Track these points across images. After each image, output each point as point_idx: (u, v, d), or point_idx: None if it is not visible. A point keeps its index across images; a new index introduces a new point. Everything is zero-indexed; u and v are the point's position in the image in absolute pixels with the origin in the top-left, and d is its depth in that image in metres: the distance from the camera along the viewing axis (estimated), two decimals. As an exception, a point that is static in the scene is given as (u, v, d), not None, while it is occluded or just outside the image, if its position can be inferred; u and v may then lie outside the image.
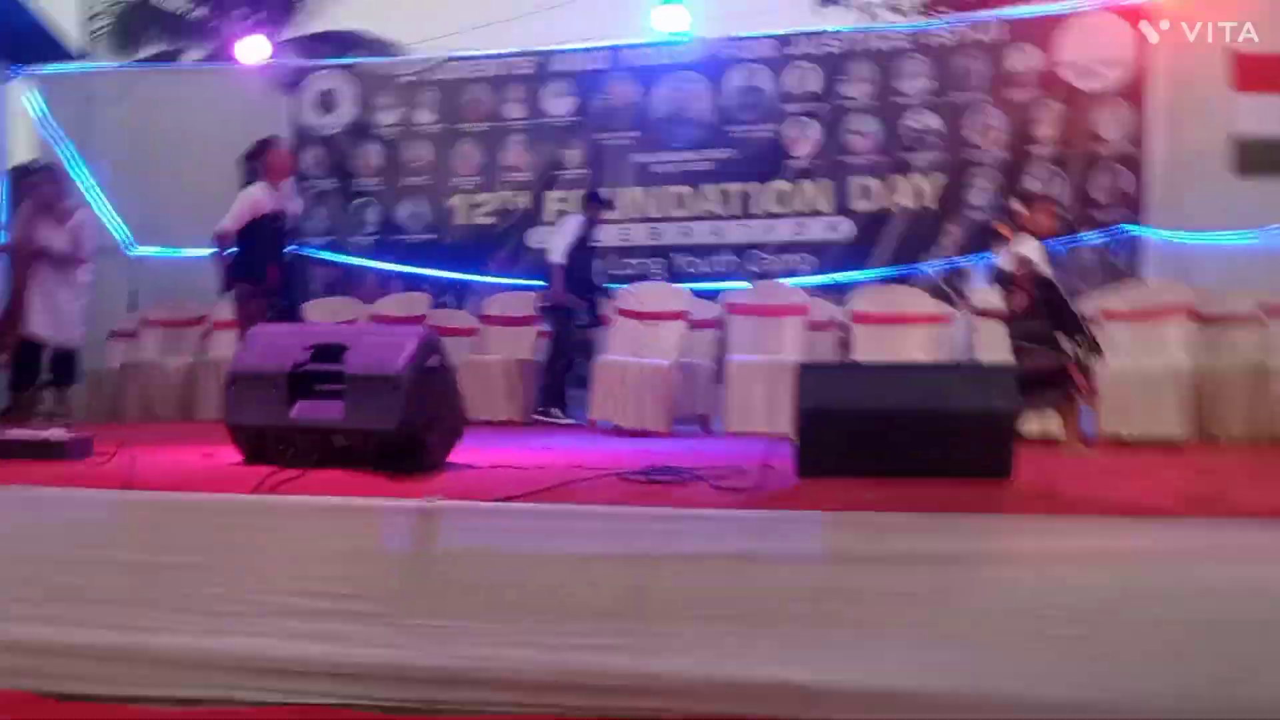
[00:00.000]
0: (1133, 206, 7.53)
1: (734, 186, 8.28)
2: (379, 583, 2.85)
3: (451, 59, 8.91)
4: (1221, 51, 7.27)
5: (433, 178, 8.81)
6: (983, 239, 7.71)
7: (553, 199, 8.58)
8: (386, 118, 8.90)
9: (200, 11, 16.34)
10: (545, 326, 7.52)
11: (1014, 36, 7.84)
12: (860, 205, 8.05)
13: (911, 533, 2.65)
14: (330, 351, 3.55)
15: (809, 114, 8.21)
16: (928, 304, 7.17)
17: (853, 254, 8.00)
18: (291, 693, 2.78)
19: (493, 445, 4.72)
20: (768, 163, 8.25)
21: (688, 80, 8.43)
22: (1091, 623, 2.49)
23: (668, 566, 2.74)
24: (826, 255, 8.07)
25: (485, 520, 2.90)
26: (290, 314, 5.78)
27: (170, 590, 2.92)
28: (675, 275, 8.20)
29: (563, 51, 8.71)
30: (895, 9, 14.89)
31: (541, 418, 7.06)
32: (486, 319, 7.98)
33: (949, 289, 7.66)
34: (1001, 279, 5.25)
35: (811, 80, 8.22)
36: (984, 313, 6.68)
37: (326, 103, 8.98)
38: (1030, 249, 4.96)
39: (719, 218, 8.29)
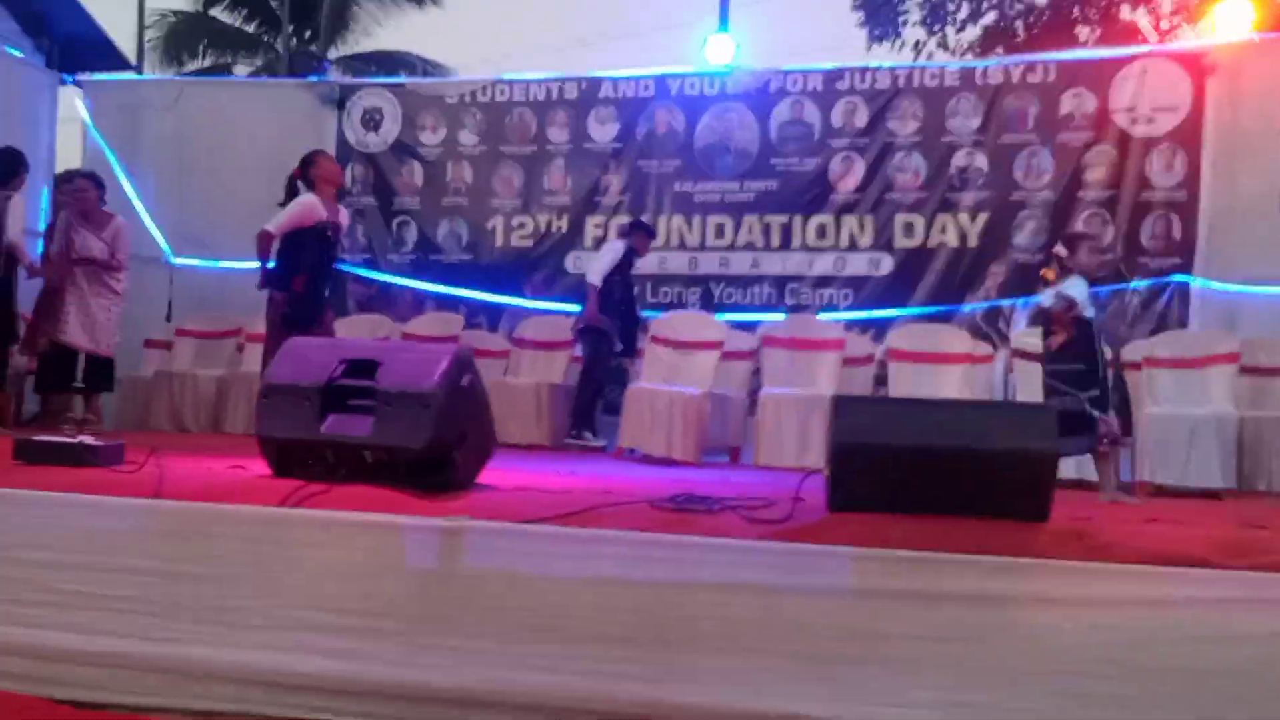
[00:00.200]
0: (1182, 254, 7.42)
1: (775, 218, 8.26)
2: (400, 601, 2.83)
3: (498, 82, 8.97)
4: (1275, 100, 7.19)
5: (473, 199, 8.86)
6: (1025, 280, 7.63)
7: (592, 224, 8.60)
8: (430, 138, 8.97)
9: (250, 26, 16.63)
10: (578, 350, 7.50)
11: (1068, 79, 7.79)
12: (903, 242, 8.00)
13: (942, 571, 2.59)
14: (363, 367, 3.54)
15: (855, 149, 8.18)
16: (966, 343, 7.10)
17: (893, 290, 7.94)
18: (307, 708, 2.76)
19: (521, 468, 4.69)
20: (810, 196, 8.23)
21: (733, 111, 8.44)
22: (1123, 670, 2.42)
23: (692, 595, 2.70)
24: (866, 291, 8.02)
25: (510, 542, 2.87)
26: (303, 327, 5.57)
27: (192, 600, 2.91)
28: (712, 305, 8.17)
29: (610, 78, 8.75)
30: (946, 47, 14.86)
31: (574, 441, 7.03)
32: (519, 342, 7.98)
33: (989, 329, 7.58)
34: (1043, 318, 5.18)
35: (859, 115, 8.20)
36: (1024, 354, 6.60)
37: (371, 121, 9.06)
38: (1076, 289, 4.89)
39: (758, 249, 8.26)
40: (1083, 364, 4.86)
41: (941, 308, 7.76)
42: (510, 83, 8.93)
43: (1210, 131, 7.40)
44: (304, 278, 5.70)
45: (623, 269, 7.25)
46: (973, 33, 14.84)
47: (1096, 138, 7.65)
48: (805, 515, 2.98)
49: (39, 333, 6.53)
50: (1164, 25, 13.91)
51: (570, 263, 8.56)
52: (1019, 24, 14.58)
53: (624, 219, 8.34)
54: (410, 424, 3.35)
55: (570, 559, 2.80)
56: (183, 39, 16.23)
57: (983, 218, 7.84)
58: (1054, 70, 7.86)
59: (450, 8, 17.13)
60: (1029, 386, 6.25)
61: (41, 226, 7.81)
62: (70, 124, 9.02)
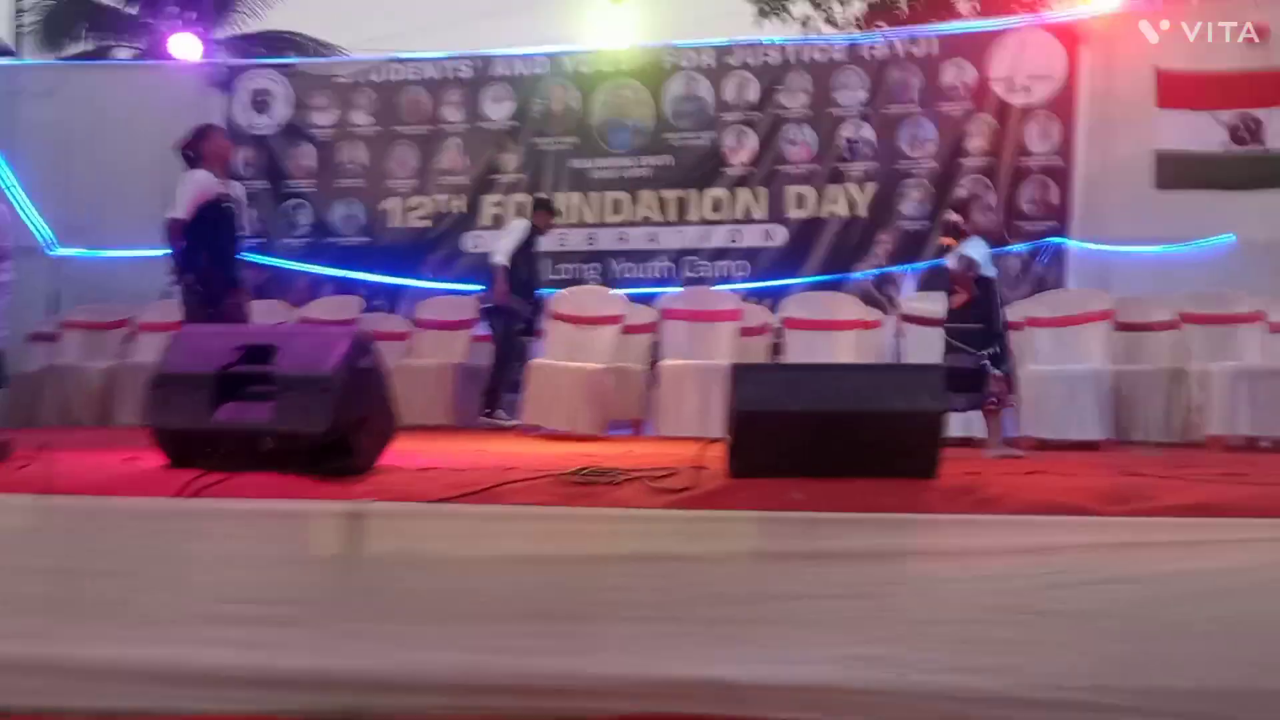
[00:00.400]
0: (1059, 217, 7.72)
1: (671, 193, 8.33)
2: (306, 587, 2.81)
3: (389, 61, 8.84)
4: (1146, 69, 7.49)
5: (368, 180, 8.73)
6: (913, 248, 7.86)
7: (490, 203, 8.56)
8: (321, 119, 8.80)
9: (132, 9, 16.00)
10: (484, 329, 7.47)
11: (948, 51, 8.01)
12: (795, 213, 8.15)
13: (839, 531, 2.69)
14: (260, 352, 3.48)
15: (747, 123, 8.29)
16: (858, 309, 7.29)
17: (787, 260, 8.10)
18: (216, 701, 2.72)
19: (425, 449, 4.67)
20: (705, 170, 8.32)
21: (627, 87, 8.47)
22: (1014, 616, 2.54)
23: (600, 567, 2.74)
24: (761, 261, 8.16)
25: (415, 523, 2.87)
26: (217, 304, 5.54)
27: (90, 598, 2.85)
28: (611, 280, 8.22)
29: (503, 56, 8.70)
30: (832, 22, 15.09)
31: (488, 421, 7.01)
32: (420, 323, 7.92)
33: (880, 295, 7.79)
34: (945, 278, 5.35)
35: (750, 90, 8.31)
36: (912, 319, 6.80)
37: (260, 103, 8.85)
38: (976, 250, 5.07)
39: (655, 224, 8.34)
40: (983, 322, 5.04)
41: (834, 276, 7.95)
42: (403, 61, 8.82)
43: (1084, 99, 7.69)
44: (207, 253, 5.59)
45: (526, 247, 7.24)
46: (857, 7, 15.10)
47: (976, 107, 7.89)
48: (707, 483, 3.04)
49: None
50: (1041, -4, 14.32)
51: (469, 242, 8.51)
52: (901, -2, 14.88)
53: (521, 197, 8.32)
54: (310, 409, 3.31)
55: (476, 537, 2.82)
56: (61, 22, 15.50)
57: (871, 188, 8.04)
58: (935, 43, 8.08)
59: (337, -14, 16.74)
60: (918, 349, 6.47)
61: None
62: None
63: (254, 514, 2.92)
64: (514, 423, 7.00)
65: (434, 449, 4.75)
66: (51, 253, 8.52)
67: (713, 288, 7.82)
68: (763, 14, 14.83)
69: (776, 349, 7.24)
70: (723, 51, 8.40)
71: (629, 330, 7.24)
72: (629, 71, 8.46)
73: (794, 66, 8.27)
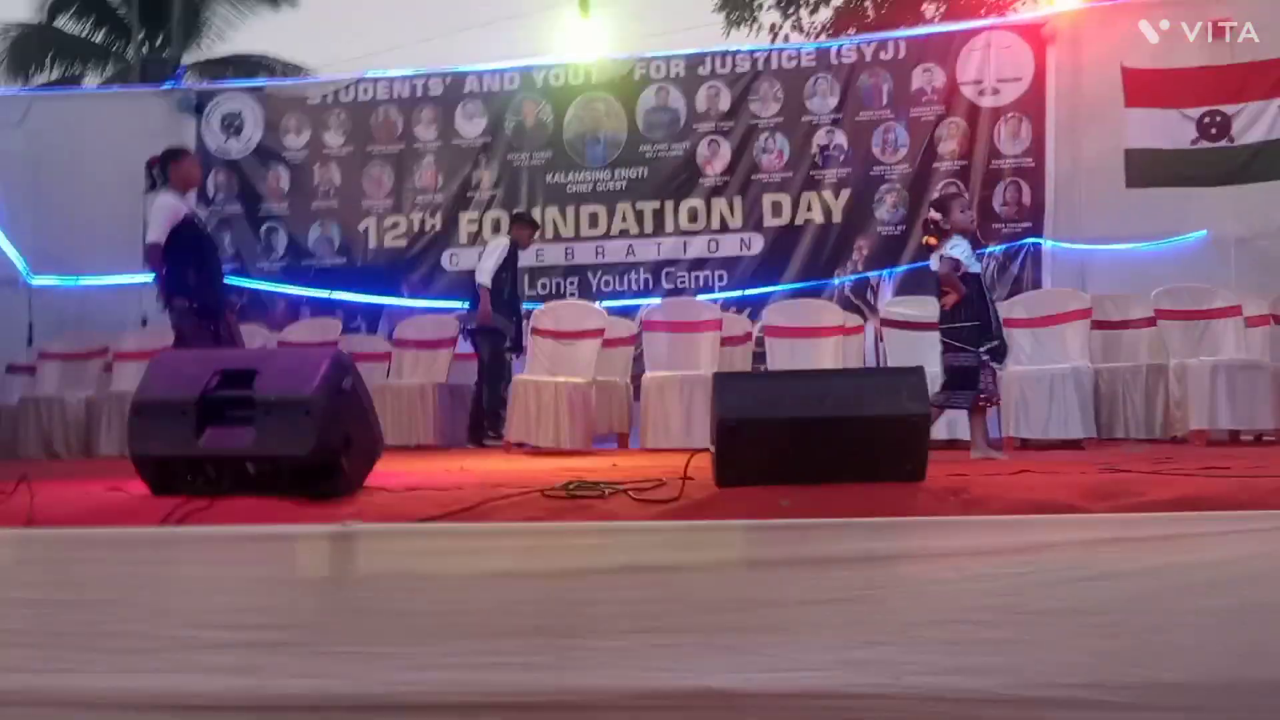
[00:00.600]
0: (1032, 218, 7.78)
1: (648, 204, 8.36)
2: (296, 611, 2.79)
3: (361, 80, 8.85)
4: (1113, 68, 7.58)
5: (343, 201, 8.73)
6: (889, 252, 7.91)
7: (466, 220, 8.56)
8: (294, 141, 8.79)
9: (99, 36, 15.93)
10: (468, 349, 7.46)
11: (917, 56, 8.09)
12: (771, 221, 8.19)
13: (829, 536, 2.69)
14: (239, 376, 3.46)
15: (720, 132, 8.33)
16: (837, 316, 7.32)
17: (765, 269, 8.14)
18: (208, 727, 2.69)
19: (410, 469, 4.66)
20: (680, 180, 8.36)
21: (599, 100, 8.50)
22: (1005, 615, 2.55)
23: (591, 580, 2.73)
24: (739, 270, 8.19)
25: (404, 542, 2.85)
26: (212, 319, 5.57)
27: (77, 628, 2.81)
28: (590, 293, 8.23)
29: (475, 72, 8.71)
30: (801, 29, 15.20)
31: (492, 443, 6.98)
32: (400, 343, 7.90)
33: (858, 301, 7.83)
34: (933, 281, 5.37)
35: (722, 99, 8.36)
36: (892, 323, 6.83)
37: (231, 126, 8.83)
38: (958, 250, 5.08)
39: (632, 235, 8.36)
40: (977, 319, 5.05)
41: (812, 283, 8.00)
42: (374, 80, 8.83)
43: (1052, 99, 7.78)
44: (194, 273, 5.59)
45: (509, 264, 7.25)
46: (825, 14, 15.22)
47: (947, 111, 7.97)
48: (695, 493, 3.04)
49: None
50: (1006, -3, 14.48)
51: (446, 260, 8.51)
52: (868, 3, 15.02)
53: (498, 213, 8.34)
54: (292, 432, 3.29)
55: (466, 555, 2.80)
56: (28, 52, 15.44)
57: (846, 194, 8.09)
58: (904, 47, 8.15)
59: (306, 7, 16.72)
60: (900, 354, 6.49)
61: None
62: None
63: (240, 538, 2.89)
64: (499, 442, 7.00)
65: (419, 468, 4.74)
66: (26, 283, 8.45)
67: (692, 298, 7.84)
68: (731, 23, 14.94)
69: (759, 358, 7.26)
70: (693, 61, 8.45)
71: (610, 344, 7.24)
72: (601, 84, 8.49)
73: (765, 74, 8.33)
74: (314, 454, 3.30)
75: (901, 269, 7.80)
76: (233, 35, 16.23)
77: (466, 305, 7.41)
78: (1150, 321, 6.76)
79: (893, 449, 3.05)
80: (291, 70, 15.14)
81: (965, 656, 2.54)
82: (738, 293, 8.11)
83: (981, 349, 5.00)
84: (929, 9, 14.58)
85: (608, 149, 8.46)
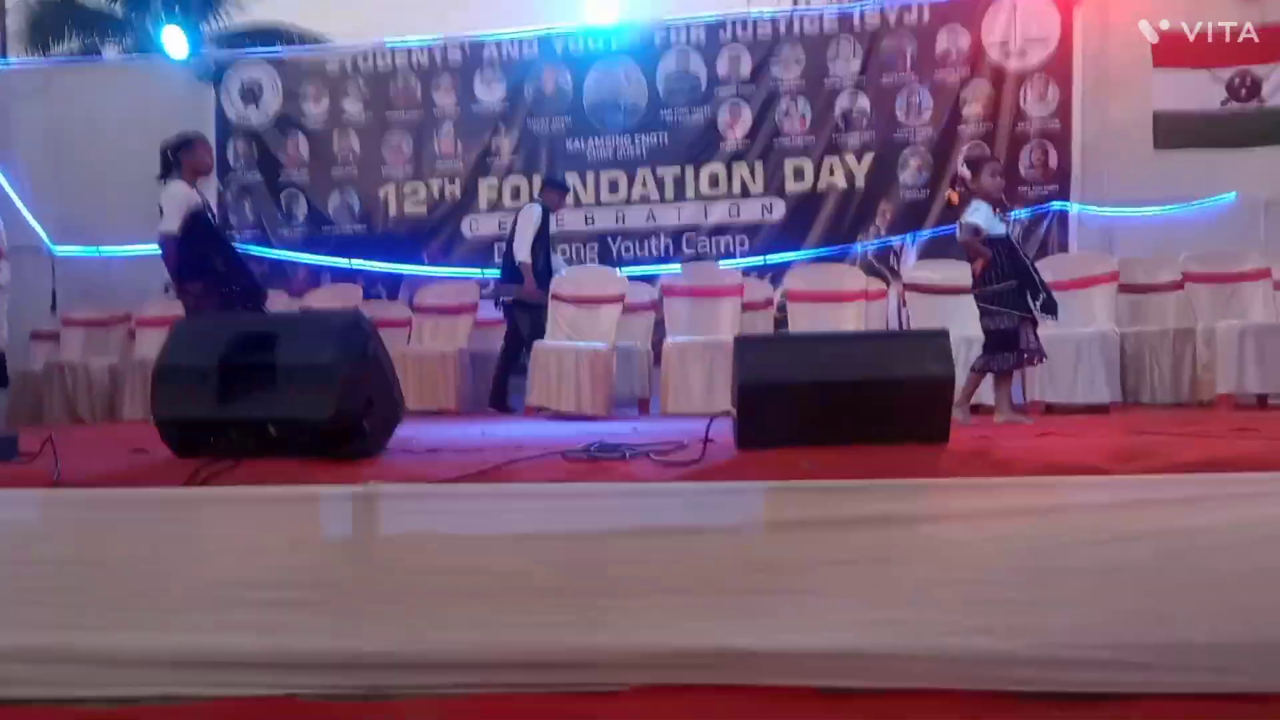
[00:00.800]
0: (1059, 181, 7.69)
1: (668, 170, 8.31)
2: (320, 570, 2.81)
3: (380, 48, 8.81)
4: (1141, 30, 7.45)
5: (362, 169, 8.72)
6: (913, 217, 7.84)
7: (486, 187, 8.54)
8: (313, 109, 8.78)
9: (118, 7, 15.93)
10: (489, 316, 7.46)
11: (941, 18, 7.97)
12: (793, 186, 8.13)
13: (851, 498, 2.68)
14: (260, 340, 3.47)
15: (741, 97, 8.26)
16: (860, 281, 7.27)
17: (787, 234, 8.08)
18: (235, 685, 2.72)
19: (431, 432, 4.67)
20: (701, 146, 8.30)
21: (620, 66, 8.43)
22: (1029, 576, 2.54)
23: (612, 541, 2.73)
24: (761, 236, 8.14)
25: (426, 503, 2.86)
26: (251, 297, 5.64)
27: (105, 588, 2.85)
28: (611, 260, 8.21)
29: (494, 39, 8.65)
30: (822, -7, 15.02)
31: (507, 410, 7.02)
32: (420, 309, 7.91)
33: (881, 266, 7.77)
34: (961, 250, 5.32)
35: (743, 64, 8.28)
36: (915, 287, 6.77)
37: (251, 95, 8.82)
38: (977, 215, 5.02)
39: (653, 201, 8.32)
40: (1014, 278, 4.99)
41: (835, 248, 7.94)
42: (392, 49, 8.78)
43: (1079, 61, 7.66)
44: (215, 256, 5.63)
45: (542, 234, 7.23)
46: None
47: (972, 73, 7.86)
48: (716, 455, 3.03)
49: None
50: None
51: (466, 227, 8.50)
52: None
53: (518, 180, 8.31)
54: (315, 395, 3.29)
55: (487, 515, 2.81)
56: (47, 24, 15.45)
57: (869, 158, 8.01)
58: (928, 10, 8.04)
59: (324, -25, 16.62)
60: (922, 318, 6.45)
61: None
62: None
63: (263, 499, 2.91)
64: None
65: (440, 433, 4.75)
66: (50, 252, 8.51)
67: (713, 263, 7.81)
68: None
69: (780, 324, 7.24)
70: (714, 26, 8.36)
71: (631, 309, 7.23)
72: (620, 50, 8.42)
73: (786, 38, 8.24)
74: (335, 417, 3.31)
75: (926, 234, 7.73)
76: (250, 6, 16.18)
77: (496, 275, 7.37)
78: (1178, 285, 6.69)
79: (916, 411, 3.03)
80: (310, 38, 15.10)
81: (989, 617, 2.53)
82: (759, 259, 8.06)
83: (1035, 305, 4.93)
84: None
85: (628, 115, 8.41)
